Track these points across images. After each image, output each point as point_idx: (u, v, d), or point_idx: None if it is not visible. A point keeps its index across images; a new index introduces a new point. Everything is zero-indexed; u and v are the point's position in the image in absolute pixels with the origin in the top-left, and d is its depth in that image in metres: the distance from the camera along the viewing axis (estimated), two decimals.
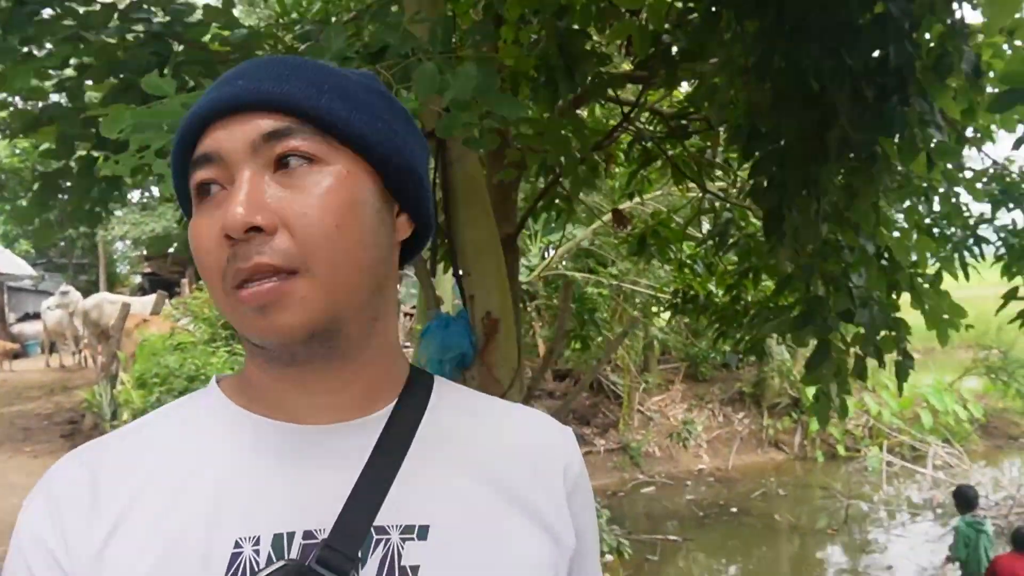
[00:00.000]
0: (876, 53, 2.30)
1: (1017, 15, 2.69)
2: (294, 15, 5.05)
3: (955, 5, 2.38)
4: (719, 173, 5.72)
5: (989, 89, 2.90)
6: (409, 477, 0.72)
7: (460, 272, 2.61)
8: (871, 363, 3.22)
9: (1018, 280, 4.91)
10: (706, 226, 6.72)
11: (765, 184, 2.65)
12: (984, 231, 4.78)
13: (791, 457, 13.67)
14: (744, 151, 2.69)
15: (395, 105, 0.77)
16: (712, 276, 6.27)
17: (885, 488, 11.89)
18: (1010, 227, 4.88)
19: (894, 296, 3.38)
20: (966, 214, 4.61)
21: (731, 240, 5.46)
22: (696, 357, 14.78)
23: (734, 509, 11.40)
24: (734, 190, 5.88)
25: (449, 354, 2.51)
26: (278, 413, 0.73)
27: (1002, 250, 4.89)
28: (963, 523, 6.24)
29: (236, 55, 2.28)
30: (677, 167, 4.27)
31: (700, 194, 5.69)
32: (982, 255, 4.73)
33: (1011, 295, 4.74)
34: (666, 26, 3.37)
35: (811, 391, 3.32)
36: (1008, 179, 4.79)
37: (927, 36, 2.64)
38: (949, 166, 3.14)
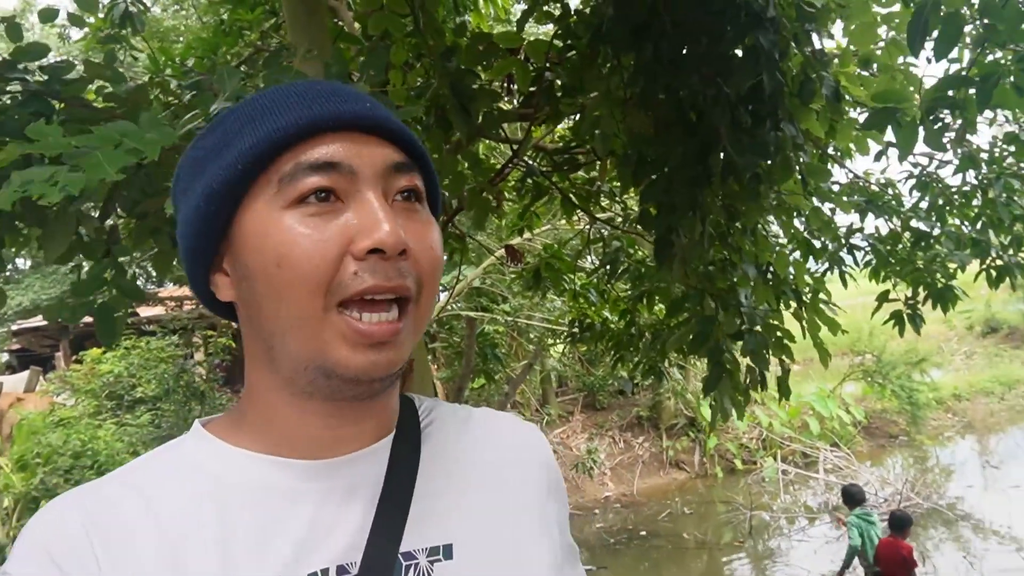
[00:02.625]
0: (750, 82, 2.45)
1: (872, 45, 2.94)
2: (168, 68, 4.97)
3: (815, 37, 2.58)
4: (604, 203, 5.91)
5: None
6: (422, 499, 0.73)
7: None
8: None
9: (887, 284, 5.28)
10: (593, 257, 6.94)
11: (654, 210, 2.76)
12: (855, 240, 5.12)
13: (692, 476, 14.01)
14: (633, 178, 2.80)
15: None
16: (606, 303, 6.43)
17: (783, 496, 12.33)
18: (875, 235, 5.25)
19: (781, 309, 3.57)
20: (839, 227, 4.93)
21: (622, 267, 5.65)
22: (592, 386, 15.02)
23: (643, 532, 11.57)
24: (619, 218, 6.08)
25: None
26: (287, 450, 0.72)
27: (869, 257, 5.25)
28: (855, 516, 6.69)
29: (123, 109, 2.23)
30: (568, 197, 4.39)
31: (589, 225, 5.86)
32: (856, 263, 5.05)
33: (883, 297, 5.09)
34: (547, 63, 3.49)
35: (705, 411, 3.51)
36: (870, 190, 5.16)
37: (789, 65, 2.84)
38: (820, 184, 3.36)
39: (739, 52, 2.50)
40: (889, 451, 14.43)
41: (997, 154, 4.95)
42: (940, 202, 5.18)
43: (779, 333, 3.07)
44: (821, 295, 3.88)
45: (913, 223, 5.30)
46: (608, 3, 2.72)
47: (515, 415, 0.92)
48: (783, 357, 3.16)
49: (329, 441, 0.72)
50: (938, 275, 5.13)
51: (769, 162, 2.59)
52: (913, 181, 5.26)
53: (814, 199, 3.69)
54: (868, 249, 5.20)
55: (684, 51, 2.61)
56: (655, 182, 2.71)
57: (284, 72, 1.86)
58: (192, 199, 0.71)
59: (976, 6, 1.97)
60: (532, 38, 3.48)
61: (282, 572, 0.66)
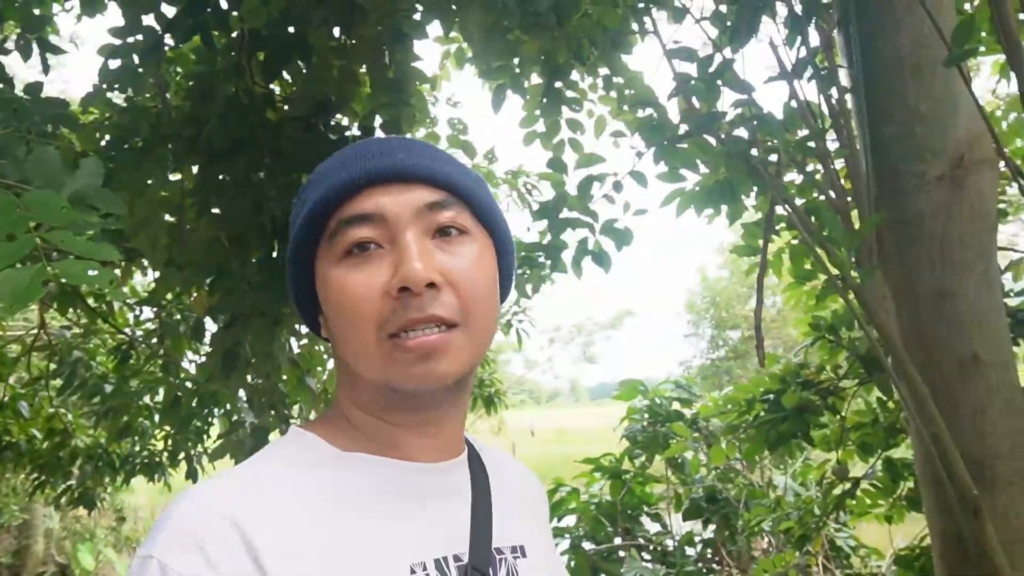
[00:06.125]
0: None
1: None
2: None
3: None
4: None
5: None
6: (496, 508, 0.85)
7: None
8: None
9: None
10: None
11: (224, 323, 2.77)
12: None
13: None
14: (210, 289, 2.77)
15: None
16: (36, 420, 5.74)
17: None
18: None
19: None
20: None
21: (77, 382, 5.13)
22: None
23: None
24: (78, 328, 5.52)
25: None
26: (393, 453, 0.80)
27: None
28: None
29: None
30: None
31: (36, 329, 5.25)
32: None
33: None
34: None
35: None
36: None
37: None
38: None
39: None
40: None
41: None
42: None
43: None
44: None
45: None
46: (213, 113, 2.75)
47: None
48: None
49: (419, 449, 0.81)
50: None
51: None
52: None
53: None
54: None
55: (281, 178, 2.76)
56: (232, 295, 2.72)
57: None
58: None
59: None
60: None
61: (415, 558, 0.74)
